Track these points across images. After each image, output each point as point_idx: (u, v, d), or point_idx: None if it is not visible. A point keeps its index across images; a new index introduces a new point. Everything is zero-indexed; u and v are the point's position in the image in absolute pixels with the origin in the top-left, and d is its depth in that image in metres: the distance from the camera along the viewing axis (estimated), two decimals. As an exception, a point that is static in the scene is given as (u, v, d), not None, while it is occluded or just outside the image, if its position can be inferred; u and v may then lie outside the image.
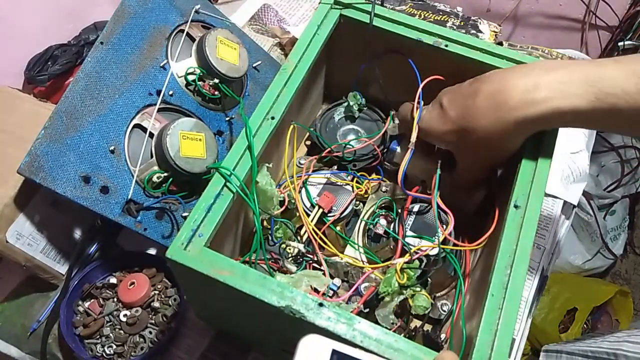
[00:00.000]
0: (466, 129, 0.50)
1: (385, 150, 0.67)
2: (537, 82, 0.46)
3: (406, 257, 0.55)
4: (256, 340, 0.63)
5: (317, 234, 0.59)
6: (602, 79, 0.45)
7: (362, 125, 0.73)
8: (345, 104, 0.72)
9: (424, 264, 0.56)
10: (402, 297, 0.54)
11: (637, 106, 0.44)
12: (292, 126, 0.62)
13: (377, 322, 0.54)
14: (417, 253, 0.56)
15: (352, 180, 0.65)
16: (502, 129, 0.48)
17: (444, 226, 0.60)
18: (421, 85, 0.56)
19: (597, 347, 0.79)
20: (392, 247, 0.60)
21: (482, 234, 0.61)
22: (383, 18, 0.60)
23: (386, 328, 0.53)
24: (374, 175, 0.70)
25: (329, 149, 0.68)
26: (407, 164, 0.54)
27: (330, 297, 0.55)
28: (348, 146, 0.68)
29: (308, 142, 0.77)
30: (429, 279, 0.56)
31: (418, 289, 0.55)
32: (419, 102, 0.56)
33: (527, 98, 0.46)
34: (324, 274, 0.56)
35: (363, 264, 0.60)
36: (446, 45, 0.58)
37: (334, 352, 0.33)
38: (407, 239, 0.58)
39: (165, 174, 0.61)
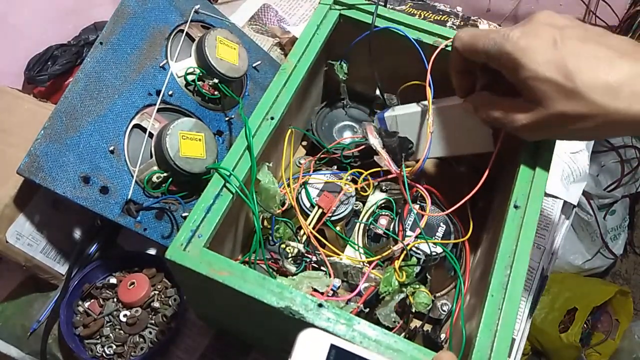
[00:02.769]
0: (585, 98, 0.40)
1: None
2: None
3: (402, 254, 0.55)
4: (256, 340, 0.63)
5: (314, 235, 0.59)
6: None
7: (356, 121, 0.74)
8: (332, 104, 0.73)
9: (422, 261, 0.56)
10: (402, 295, 0.54)
11: None
12: (290, 130, 0.61)
13: (377, 322, 0.54)
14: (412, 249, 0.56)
15: (352, 182, 0.65)
16: (627, 121, 0.40)
17: (441, 227, 0.60)
18: (429, 67, 0.53)
19: None
20: (392, 247, 0.60)
21: (480, 231, 0.61)
22: (383, 18, 0.60)
23: (388, 327, 0.53)
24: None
25: (325, 149, 0.67)
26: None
27: (330, 297, 0.55)
28: (346, 148, 0.68)
29: (305, 143, 0.77)
30: (427, 276, 0.56)
31: (417, 286, 0.55)
32: (429, 85, 0.52)
33: None
34: (326, 274, 0.56)
35: (363, 264, 0.60)
36: (446, 46, 0.58)
37: (332, 346, 0.33)
38: (406, 239, 0.58)
39: (165, 174, 0.61)
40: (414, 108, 0.59)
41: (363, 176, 0.63)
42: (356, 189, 0.63)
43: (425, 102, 0.55)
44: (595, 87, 0.40)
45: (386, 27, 0.59)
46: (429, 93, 0.53)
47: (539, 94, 0.42)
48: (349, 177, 0.64)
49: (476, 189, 0.51)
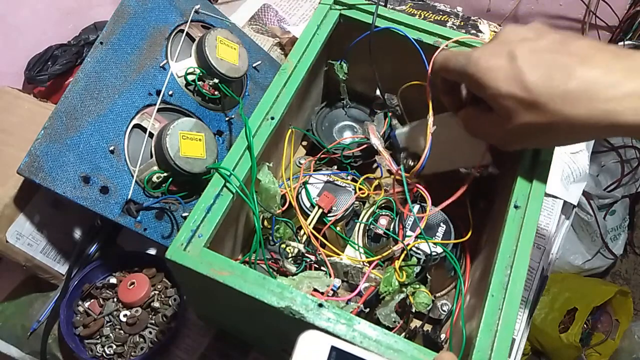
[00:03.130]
0: (545, 107, 0.41)
1: (388, 140, 0.66)
2: None
3: (402, 254, 0.55)
4: (256, 340, 0.63)
5: (315, 235, 0.59)
6: None
7: (356, 121, 0.74)
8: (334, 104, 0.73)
9: (422, 260, 0.56)
10: (402, 295, 0.54)
11: None
12: (290, 130, 0.62)
13: (377, 322, 0.54)
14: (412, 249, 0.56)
15: (352, 180, 0.65)
16: (589, 126, 0.41)
17: (441, 227, 0.60)
18: (429, 68, 0.54)
19: None
20: (392, 247, 0.60)
21: (480, 232, 0.61)
22: (383, 18, 0.60)
23: (388, 327, 0.53)
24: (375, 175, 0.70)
25: (325, 149, 0.67)
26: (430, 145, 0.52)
27: (330, 297, 0.55)
28: (346, 148, 0.68)
29: (305, 143, 0.77)
30: (427, 276, 0.56)
31: (418, 286, 0.55)
32: (429, 83, 0.53)
33: (633, 105, 0.39)
34: (326, 274, 0.56)
35: (363, 264, 0.60)
36: (446, 45, 0.58)
37: (333, 348, 0.33)
38: (406, 239, 0.58)
39: (165, 174, 0.61)
40: (421, 122, 0.59)
41: (375, 183, 0.64)
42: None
43: (431, 118, 0.56)
44: (554, 97, 0.41)
45: (386, 27, 0.59)
46: (429, 93, 0.53)
47: (504, 109, 0.43)
48: (350, 179, 0.64)
49: (463, 188, 0.52)
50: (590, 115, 0.40)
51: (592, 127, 0.41)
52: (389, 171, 0.64)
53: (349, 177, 0.65)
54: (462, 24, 0.95)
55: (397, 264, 0.55)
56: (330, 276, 0.56)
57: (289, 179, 0.62)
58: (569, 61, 0.41)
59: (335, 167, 0.67)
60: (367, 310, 0.55)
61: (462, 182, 0.54)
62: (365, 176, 0.66)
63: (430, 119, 0.53)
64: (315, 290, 0.51)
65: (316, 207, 0.60)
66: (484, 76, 0.44)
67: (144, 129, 0.63)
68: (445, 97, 0.53)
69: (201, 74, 0.67)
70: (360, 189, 0.64)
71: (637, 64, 0.40)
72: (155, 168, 0.61)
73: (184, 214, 0.64)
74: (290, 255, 0.58)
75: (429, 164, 0.56)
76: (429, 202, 0.56)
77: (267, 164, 0.55)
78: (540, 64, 0.42)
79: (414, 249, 0.57)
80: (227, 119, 0.71)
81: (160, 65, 0.65)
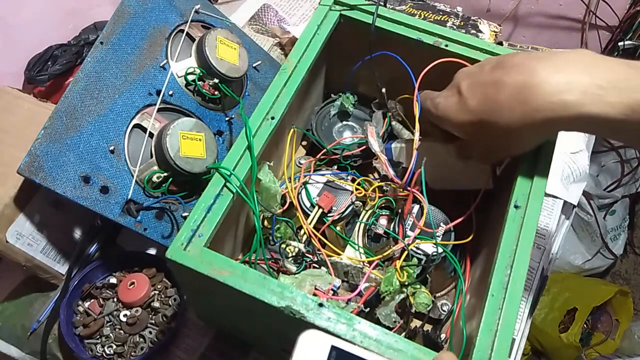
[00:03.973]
0: (487, 122, 0.47)
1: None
2: (570, 82, 0.42)
3: (403, 254, 0.55)
4: (256, 340, 0.63)
5: (315, 234, 0.59)
6: None
7: (356, 121, 0.74)
8: (338, 102, 0.73)
9: (423, 261, 0.56)
10: (402, 295, 0.54)
11: None
12: (292, 130, 0.62)
13: (377, 321, 0.54)
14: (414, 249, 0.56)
15: (352, 181, 0.65)
16: (527, 126, 0.45)
17: (441, 227, 0.60)
18: (417, 85, 0.55)
19: None
20: (391, 246, 0.60)
21: (480, 232, 0.61)
22: (383, 18, 0.60)
23: (388, 327, 0.53)
24: (374, 178, 0.69)
25: (325, 150, 0.67)
26: (415, 160, 0.54)
27: (331, 296, 0.55)
28: (346, 149, 0.67)
29: (305, 143, 0.76)
30: (428, 276, 0.56)
31: (418, 286, 0.55)
32: (416, 100, 0.55)
33: (558, 99, 0.42)
34: (327, 272, 0.56)
35: (363, 264, 0.60)
36: (446, 45, 0.58)
37: (333, 348, 0.34)
38: (406, 239, 0.58)
39: (165, 174, 0.61)
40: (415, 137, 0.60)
41: (372, 188, 0.64)
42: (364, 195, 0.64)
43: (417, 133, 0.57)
44: (491, 111, 0.46)
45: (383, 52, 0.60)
46: (416, 108, 0.55)
47: (464, 135, 0.51)
48: (352, 181, 0.64)
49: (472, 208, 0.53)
50: (525, 117, 0.44)
51: (532, 127, 0.45)
52: (385, 176, 0.64)
53: (349, 178, 0.65)
54: (462, 24, 0.95)
55: (399, 264, 0.55)
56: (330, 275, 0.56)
57: (290, 178, 0.62)
58: (500, 76, 0.46)
59: (335, 167, 0.67)
60: (368, 310, 0.55)
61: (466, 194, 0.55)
62: (364, 177, 0.66)
63: (417, 134, 0.55)
64: (317, 288, 0.51)
65: (316, 207, 0.60)
66: (444, 115, 0.51)
67: (144, 129, 0.63)
68: (433, 128, 0.56)
69: (201, 74, 0.67)
70: (357, 189, 0.63)
71: (559, 61, 0.44)
72: (155, 168, 0.61)
73: (184, 214, 0.64)
74: (290, 255, 0.58)
75: (434, 181, 0.58)
76: (426, 206, 0.56)
77: (268, 162, 0.55)
78: (478, 89, 0.48)
79: (414, 249, 0.57)
80: (227, 119, 0.71)
81: (161, 65, 0.65)
